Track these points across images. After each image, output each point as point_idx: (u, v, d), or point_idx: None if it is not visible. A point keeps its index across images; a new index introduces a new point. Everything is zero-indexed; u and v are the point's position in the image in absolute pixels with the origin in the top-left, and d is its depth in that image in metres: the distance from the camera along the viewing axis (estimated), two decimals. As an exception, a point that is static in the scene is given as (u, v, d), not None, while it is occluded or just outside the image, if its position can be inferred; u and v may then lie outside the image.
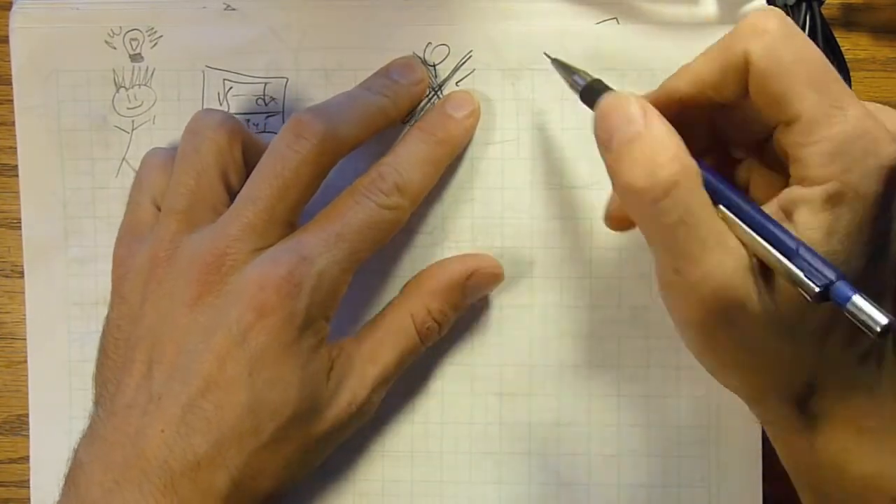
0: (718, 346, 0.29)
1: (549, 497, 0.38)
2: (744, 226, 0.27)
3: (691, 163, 0.27)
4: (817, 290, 0.25)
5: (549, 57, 0.35)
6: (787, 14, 0.36)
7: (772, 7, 0.28)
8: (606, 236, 0.37)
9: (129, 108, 0.38)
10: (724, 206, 0.28)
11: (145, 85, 0.38)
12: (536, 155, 0.37)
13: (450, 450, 0.38)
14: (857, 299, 0.25)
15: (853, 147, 0.26)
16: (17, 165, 0.39)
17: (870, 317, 0.25)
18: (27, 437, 0.39)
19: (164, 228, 0.33)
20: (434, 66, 0.37)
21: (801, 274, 0.26)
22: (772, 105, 0.28)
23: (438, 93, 0.37)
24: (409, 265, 0.38)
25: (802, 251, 0.26)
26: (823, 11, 0.36)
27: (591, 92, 0.31)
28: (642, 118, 0.28)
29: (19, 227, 0.39)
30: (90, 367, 0.37)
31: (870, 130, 0.26)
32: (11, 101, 0.38)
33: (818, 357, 0.28)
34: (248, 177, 0.34)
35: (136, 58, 0.38)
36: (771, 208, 0.28)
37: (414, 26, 0.37)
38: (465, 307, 0.37)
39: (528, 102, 0.37)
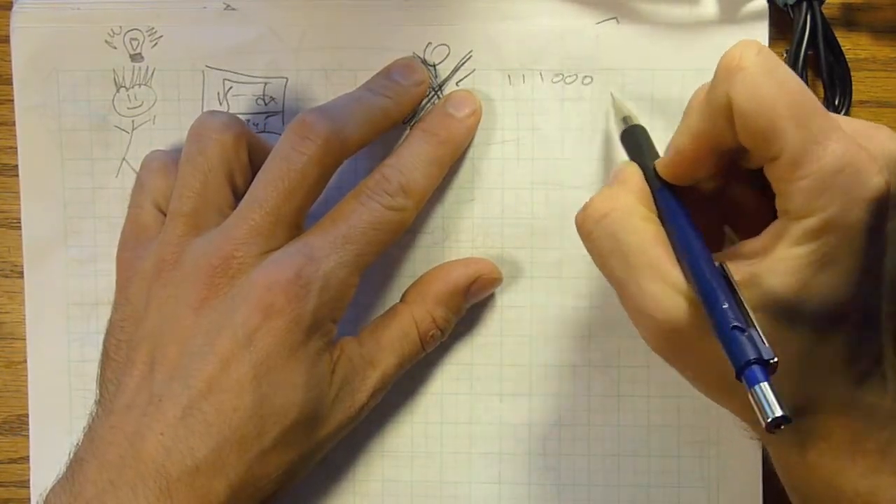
0: (687, 369, 0.31)
1: (549, 497, 0.38)
2: (693, 286, 0.28)
3: (628, 202, 0.30)
4: (734, 367, 0.26)
5: (612, 95, 0.37)
6: (788, 14, 0.36)
7: (746, 42, 0.28)
8: (606, 236, 0.37)
9: (129, 108, 0.38)
10: (681, 262, 0.29)
11: (145, 85, 0.38)
12: (536, 155, 0.37)
13: (450, 450, 0.38)
14: (763, 387, 0.25)
15: (835, 182, 0.26)
16: (17, 165, 0.39)
17: (768, 407, 0.25)
18: (27, 437, 0.39)
19: (171, 231, 0.33)
20: (434, 66, 0.37)
21: (724, 347, 0.26)
22: (756, 143, 0.28)
23: (439, 93, 0.37)
24: (410, 265, 0.38)
25: (731, 329, 0.26)
26: (824, 11, 0.36)
27: (630, 135, 0.34)
28: (615, 176, 0.32)
29: (19, 227, 0.39)
30: (90, 367, 0.37)
31: (852, 163, 0.26)
32: (12, 100, 0.38)
33: (809, 375, 0.28)
34: (253, 178, 0.34)
35: (136, 58, 0.38)
36: (760, 241, 0.29)
37: (414, 26, 0.37)
38: (464, 311, 0.37)
39: (528, 102, 0.37)
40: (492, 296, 0.38)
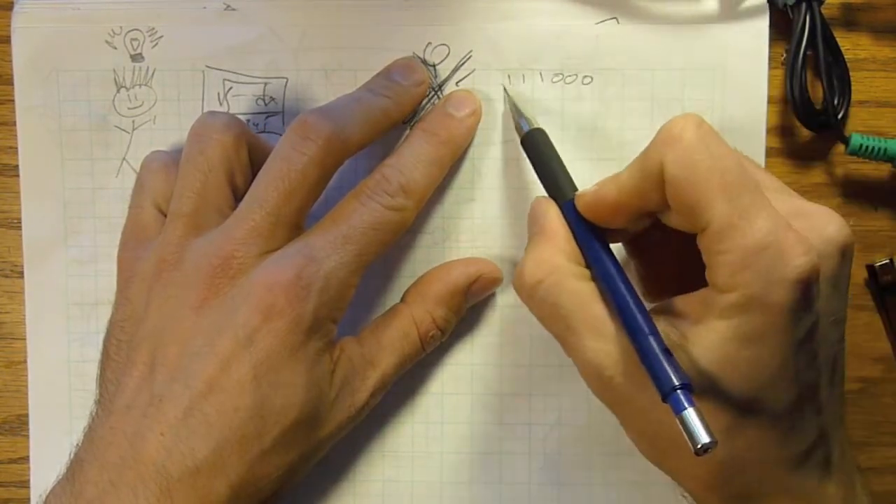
0: (628, 427, 0.31)
1: (549, 497, 0.38)
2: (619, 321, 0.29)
3: (560, 264, 0.31)
4: (660, 393, 0.26)
5: (505, 91, 0.37)
6: (788, 14, 0.36)
7: (690, 113, 0.29)
8: (606, 236, 0.37)
9: (129, 108, 0.38)
10: (609, 300, 0.30)
11: (146, 85, 0.38)
12: (536, 155, 0.37)
13: (450, 450, 0.38)
14: (690, 413, 0.26)
15: (758, 260, 0.26)
16: (17, 165, 0.39)
17: (695, 433, 0.25)
18: (27, 437, 0.39)
19: (171, 232, 0.33)
20: (434, 66, 0.37)
21: (651, 376, 0.27)
22: (686, 213, 0.28)
23: (438, 93, 0.37)
24: (410, 265, 0.38)
25: (656, 355, 0.27)
26: (823, 11, 0.36)
27: (532, 140, 0.35)
28: (538, 223, 0.32)
29: (19, 227, 0.39)
30: (90, 367, 0.37)
31: (777, 242, 0.26)
32: (12, 100, 0.38)
33: (736, 456, 0.28)
34: (253, 179, 0.34)
35: (136, 58, 0.38)
36: (690, 304, 0.29)
37: (414, 26, 0.37)
38: (464, 311, 0.37)
39: (528, 102, 0.37)
40: (492, 296, 0.38)
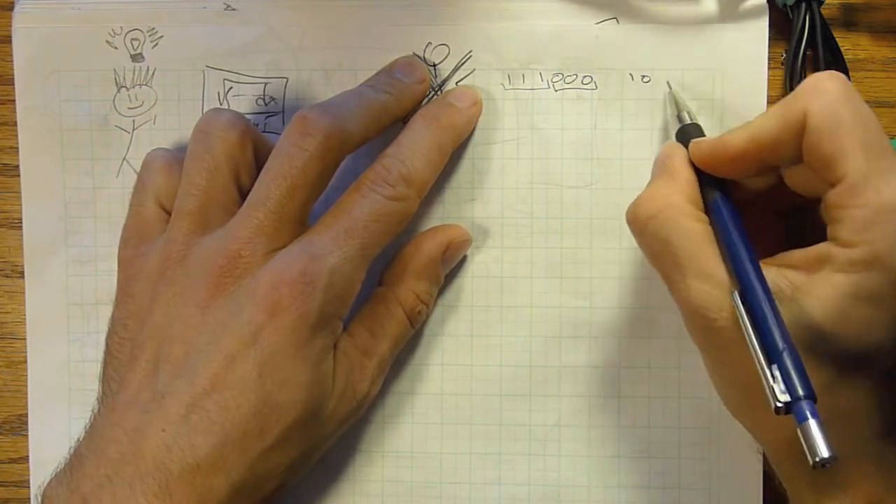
0: (721, 368, 0.31)
1: (549, 498, 0.38)
2: (745, 318, 0.28)
3: (676, 201, 0.30)
4: (779, 404, 0.26)
5: (669, 86, 0.37)
6: (787, 14, 0.36)
7: (833, 72, 0.29)
8: (606, 236, 0.37)
9: (129, 108, 0.38)
10: (728, 264, 0.29)
11: (146, 85, 0.38)
12: (536, 155, 0.37)
13: (450, 450, 0.38)
14: (812, 424, 0.25)
15: (889, 218, 0.27)
16: (17, 165, 0.39)
17: (815, 445, 0.25)
18: (27, 436, 0.39)
19: (176, 229, 0.33)
20: (434, 66, 0.37)
21: (771, 380, 0.26)
22: (820, 166, 0.28)
23: (438, 92, 0.37)
24: (410, 265, 0.38)
25: (785, 357, 0.26)
26: (823, 11, 0.36)
27: (685, 133, 0.34)
28: (663, 164, 0.32)
29: (19, 227, 0.39)
30: (90, 367, 0.37)
31: None
32: (13, 101, 0.38)
33: (829, 416, 0.27)
34: (258, 176, 0.34)
35: (136, 58, 0.38)
36: (807, 257, 0.29)
37: (414, 26, 0.37)
38: (442, 279, 0.37)
39: (527, 102, 0.37)
40: (492, 296, 0.38)
